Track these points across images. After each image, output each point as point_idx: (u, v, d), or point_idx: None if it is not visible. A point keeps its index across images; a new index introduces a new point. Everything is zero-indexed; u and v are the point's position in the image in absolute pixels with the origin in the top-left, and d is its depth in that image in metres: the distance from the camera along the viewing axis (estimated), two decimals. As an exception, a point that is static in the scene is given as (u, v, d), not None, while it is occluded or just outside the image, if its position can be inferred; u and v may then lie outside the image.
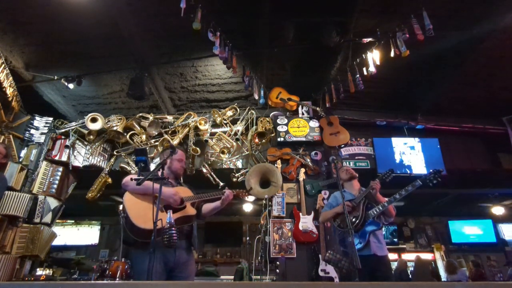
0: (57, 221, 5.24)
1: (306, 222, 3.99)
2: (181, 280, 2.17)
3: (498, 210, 8.32)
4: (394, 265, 7.16)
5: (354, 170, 3.11)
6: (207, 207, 2.49)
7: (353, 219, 2.68)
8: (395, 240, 9.05)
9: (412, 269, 7.55)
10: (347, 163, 4.68)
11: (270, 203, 4.18)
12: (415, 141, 4.94)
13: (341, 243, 2.76)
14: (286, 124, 4.62)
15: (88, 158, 4.77)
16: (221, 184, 4.53)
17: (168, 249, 2.11)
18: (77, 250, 8.87)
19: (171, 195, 2.24)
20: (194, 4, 2.96)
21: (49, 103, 4.96)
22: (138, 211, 2.17)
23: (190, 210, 2.29)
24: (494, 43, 3.69)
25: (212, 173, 4.63)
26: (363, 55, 3.72)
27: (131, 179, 2.23)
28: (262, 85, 4.40)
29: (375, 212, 2.66)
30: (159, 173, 2.18)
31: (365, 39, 3.63)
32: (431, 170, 2.59)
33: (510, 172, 5.06)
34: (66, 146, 4.79)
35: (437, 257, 8.78)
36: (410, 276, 6.96)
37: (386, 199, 2.70)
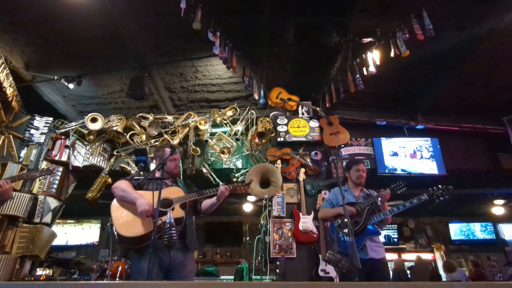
0: (57, 221, 5.23)
1: (306, 222, 3.99)
2: (179, 280, 2.16)
3: (498, 210, 8.31)
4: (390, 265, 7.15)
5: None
6: (205, 203, 2.47)
7: (355, 223, 2.65)
8: (395, 240, 9.04)
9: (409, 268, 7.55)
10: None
11: (270, 203, 4.18)
12: (415, 141, 4.94)
13: (339, 244, 2.75)
14: (286, 124, 4.61)
15: (88, 158, 4.77)
16: (221, 184, 4.53)
17: (161, 250, 2.09)
18: (77, 250, 8.86)
19: (141, 211, 2.09)
20: (194, 4, 2.96)
21: (49, 103, 4.97)
22: (122, 219, 2.15)
23: (177, 213, 2.21)
24: (494, 43, 3.69)
25: (212, 173, 4.64)
26: (363, 55, 3.72)
27: (121, 184, 2.21)
28: (262, 85, 4.40)
29: (376, 219, 2.66)
30: (157, 173, 2.16)
31: (365, 39, 3.63)
32: (439, 186, 2.51)
33: (510, 172, 5.06)
34: (66, 146, 4.79)
35: (437, 257, 8.78)
36: (409, 276, 6.95)
37: (389, 208, 2.69)
